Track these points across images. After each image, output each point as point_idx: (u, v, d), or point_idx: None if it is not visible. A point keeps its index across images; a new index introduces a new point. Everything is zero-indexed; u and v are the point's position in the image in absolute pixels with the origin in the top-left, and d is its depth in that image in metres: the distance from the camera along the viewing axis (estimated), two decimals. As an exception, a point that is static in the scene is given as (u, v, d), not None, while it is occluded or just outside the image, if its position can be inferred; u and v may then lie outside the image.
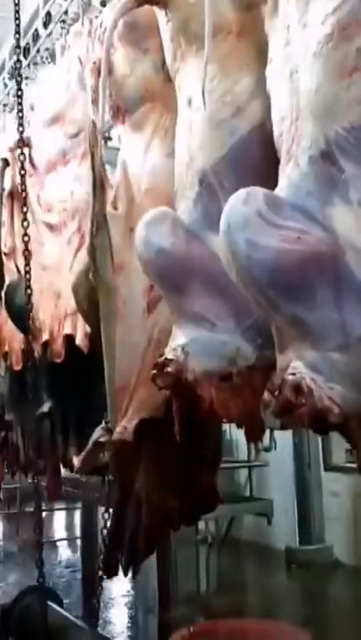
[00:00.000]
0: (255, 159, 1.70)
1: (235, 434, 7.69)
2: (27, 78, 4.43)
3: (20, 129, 2.91)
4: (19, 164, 2.84)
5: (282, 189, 1.50)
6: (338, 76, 1.44)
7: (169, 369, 1.66)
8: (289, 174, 1.50)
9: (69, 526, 8.60)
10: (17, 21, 3.04)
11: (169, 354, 1.68)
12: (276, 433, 6.11)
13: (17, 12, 3.12)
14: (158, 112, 2.14)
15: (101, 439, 2.12)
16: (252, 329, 1.66)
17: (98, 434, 2.12)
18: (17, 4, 3.01)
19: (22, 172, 2.81)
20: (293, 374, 1.38)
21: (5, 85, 5.60)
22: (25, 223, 2.73)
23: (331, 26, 1.44)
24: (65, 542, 7.80)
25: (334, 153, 1.44)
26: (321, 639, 4.20)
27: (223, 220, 1.46)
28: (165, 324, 1.98)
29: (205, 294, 1.70)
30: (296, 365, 1.39)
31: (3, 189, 3.32)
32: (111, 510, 2.17)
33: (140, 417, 2.06)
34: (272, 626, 3.52)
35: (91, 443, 2.14)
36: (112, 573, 2.23)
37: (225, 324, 1.69)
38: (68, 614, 2.85)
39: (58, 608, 2.82)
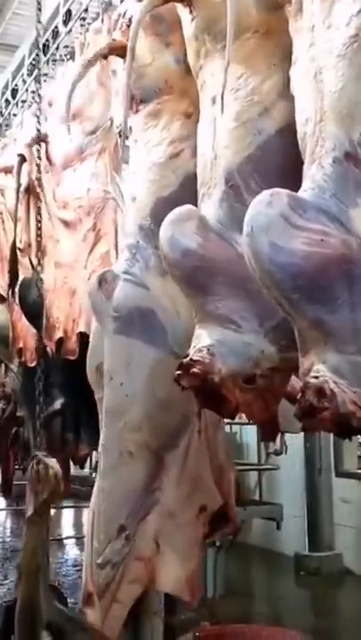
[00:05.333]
0: (282, 159, 1.68)
1: (245, 437, 7.66)
2: (46, 75, 4.44)
3: (38, 127, 2.91)
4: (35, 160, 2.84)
5: (306, 191, 1.48)
6: (363, 77, 1.42)
7: (194, 370, 1.65)
8: (313, 176, 1.49)
9: (77, 524, 8.60)
10: (38, 18, 3.05)
11: (194, 355, 1.68)
12: (287, 437, 6.07)
13: (39, 9, 3.13)
14: (175, 104, 2.11)
15: None
16: (276, 330, 1.64)
17: None
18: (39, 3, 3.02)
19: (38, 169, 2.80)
20: (316, 377, 1.36)
21: (24, 82, 5.62)
22: (38, 221, 2.72)
23: (356, 27, 1.43)
24: (72, 540, 7.79)
25: (359, 154, 1.42)
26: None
27: (247, 222, 1.45)
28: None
29: (231, 295, 1.69)
30: (319, 369, 1.38)
31: (19, 185, 3.32)
32: None
33: None
34: (279, 632, 3.48)
35: None
36: None
37: (250, 326, 1.68)
38: (72, 614, 2.83)
39: (62, 607, 2.80)
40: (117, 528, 2.09)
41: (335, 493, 6.63)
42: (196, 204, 1.84)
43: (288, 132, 1.66)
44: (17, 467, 3.98)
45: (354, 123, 1.42)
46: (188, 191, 1.98)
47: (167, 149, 2.10)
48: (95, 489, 2.19)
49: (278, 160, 1.71)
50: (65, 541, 7.69)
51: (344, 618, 5.57)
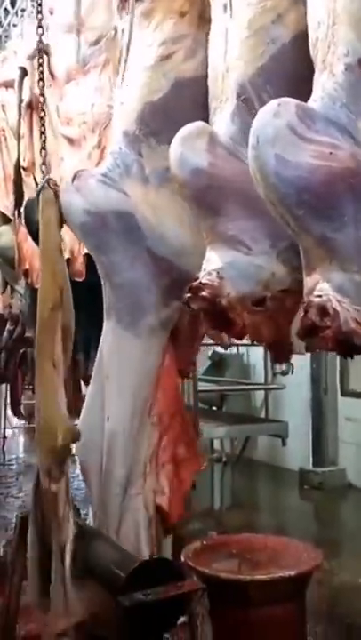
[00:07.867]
0: (297, 70, 1.59)
1: (252, 357, 7.74)
2: (46, -18, 4.22)
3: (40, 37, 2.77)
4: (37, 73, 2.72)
5: (315, 101, 1.41)
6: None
7: (203, 293, 1.64)
8: (323, 84, 1.42)
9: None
10: None
11: (203, 278, 1.66)
12: (294, 357, 6.12)
13: None
14: (170, 2, 1.99)
15: None
16: (288, 251, 1.61)
17: None
18: None
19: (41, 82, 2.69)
20: (320, 296, 1.35)
21: (24, -10, 5.34)
22: (43, 137, 2.64)
23: None
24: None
25: None
26: (330, 557, 4.33)
27: (252, 134, 1.39)
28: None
29: (242, 216, 1.65)
30: (323, 287, 1.36)
31: (21, 100, 3.21)
32: None
33: None
34: (283, 541, 3.61)
35: None
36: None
37: (261, 247, 1.65)
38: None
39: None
40: None
41: (340, 412, 6.76)
42: (187, 112, 1.77)
43: (303, 40, 1.56)
44: (26, 387, 4.05)
45: None
46: (179, 97, 1.89)
47: (158, 50, 1.99)
48: None
49: (293, 71, 1.62)
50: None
51: (346, 529, 5.80)
